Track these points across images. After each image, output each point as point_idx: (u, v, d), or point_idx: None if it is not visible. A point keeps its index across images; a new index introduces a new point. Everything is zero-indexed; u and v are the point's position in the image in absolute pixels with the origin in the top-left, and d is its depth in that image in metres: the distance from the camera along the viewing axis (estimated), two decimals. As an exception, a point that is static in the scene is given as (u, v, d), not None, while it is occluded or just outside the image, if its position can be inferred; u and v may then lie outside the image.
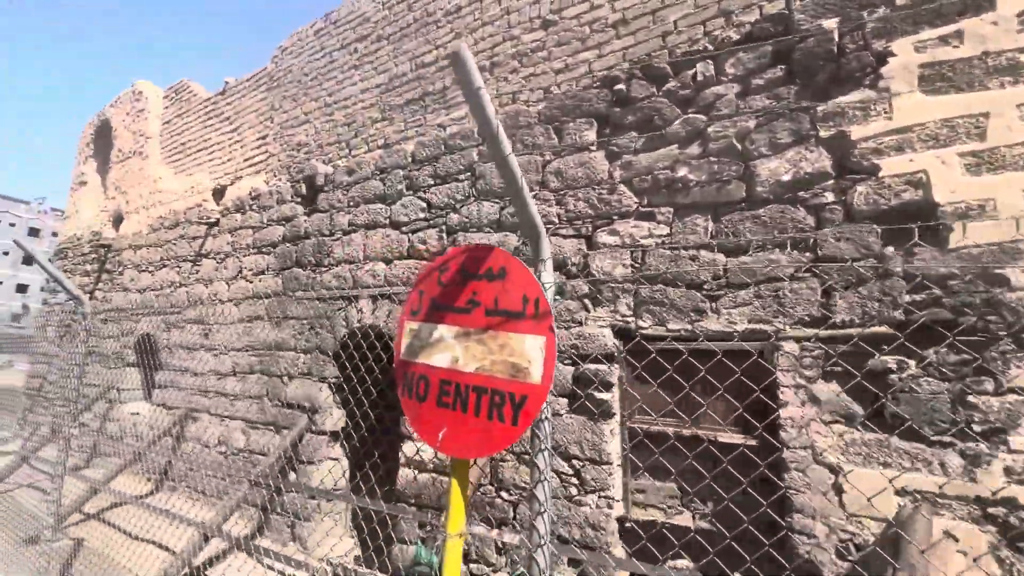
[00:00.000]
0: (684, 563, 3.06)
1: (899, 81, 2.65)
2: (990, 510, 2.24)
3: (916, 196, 2.53)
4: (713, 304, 3.01)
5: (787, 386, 2.72)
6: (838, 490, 2.53)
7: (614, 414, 3.27)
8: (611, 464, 3.21)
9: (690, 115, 3.24)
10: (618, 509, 3.20)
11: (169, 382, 6.38)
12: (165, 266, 7.08)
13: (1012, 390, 2.27)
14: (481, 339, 1.53)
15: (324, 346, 4.91)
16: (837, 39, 2.85)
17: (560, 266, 3.57)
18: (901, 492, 2.40)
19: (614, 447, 3.23)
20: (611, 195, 3.47)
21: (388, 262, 4.59)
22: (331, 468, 4.73)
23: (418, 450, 3.74)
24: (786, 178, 2.88)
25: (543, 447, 1.49)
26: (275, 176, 6.11)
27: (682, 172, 3.20)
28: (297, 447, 4.81)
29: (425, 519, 3.73)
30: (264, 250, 5.79)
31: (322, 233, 5.21)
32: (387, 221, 4.69)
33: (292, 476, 4.86)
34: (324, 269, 5.09)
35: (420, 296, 1.73)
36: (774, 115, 2.97)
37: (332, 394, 4.87)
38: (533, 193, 3.83)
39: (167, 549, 4.28)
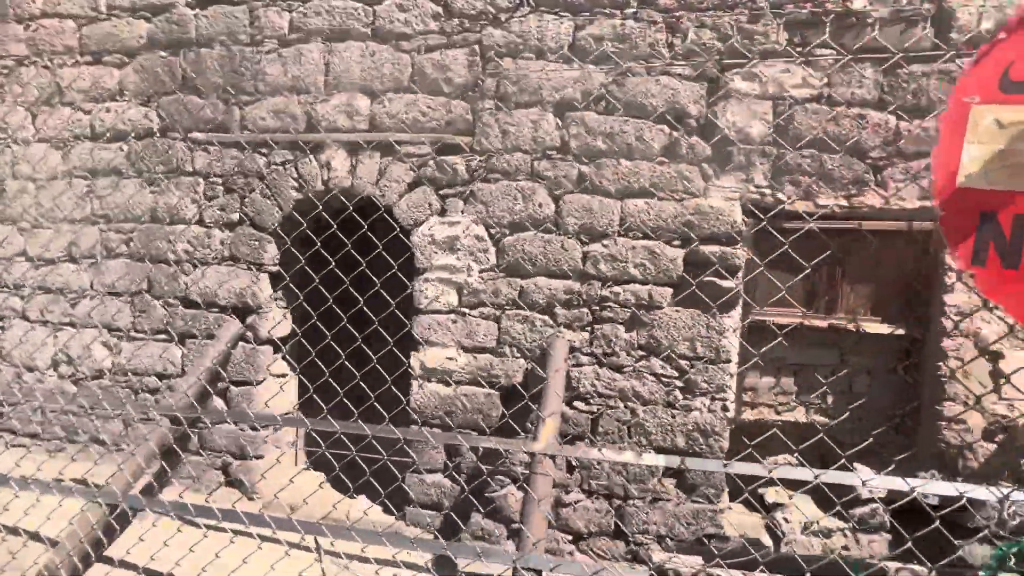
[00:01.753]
0: (788, 457, 2.85)
1: None
2: None
3: None
4: (878, 176, 2.54)
5: (956, 271, 2.47)
6: (996, 376, 2.45)
7: (736, 305, 2.73)
8: (729, 363, 2.73)
9: (874, -74, 2.50)
10: (732, 411, 2.79)
11: (-76, 272, 3.87)
12: None
13: None
14: None
15: (260, 219, 3.30)
16: None
17: (676, 118, 2.70)
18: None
19: (733, 343, 2.73)
20: (753, 24, 2.63)
21: (376, 96, 3.09)
22: (269, 388, 3.41)
23: (449, 358, 2.77)
24: (987, 25, 2.41)
25: None
26: (109, -67, 3.65)
27: (858, 3, 2.51)
28: (226, 363, 3.32)
29: (461, 445, 2.86)
30: (109, 61, 3.54)
31: (237, 40, 3.29)
32: (369, 30, 3.10)
33: (217, 403, 3.41)
34: (250, 100, 3.28)
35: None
36: (983, -58, 2.40)
37: (271, 288, 3.38)
38: (633, 10, 2.76)
39: (40, 539, 2.65)
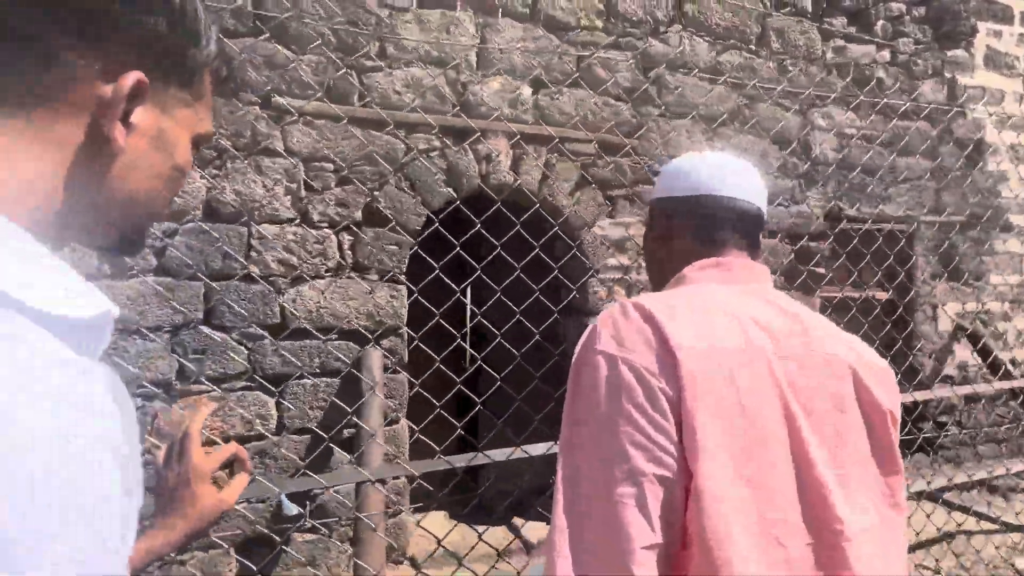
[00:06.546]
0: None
1: None
2: None
3: None
4: (887, 192, 3.75)
5: (919, 255, 3.87)
6: (935, 317, 3.95)
7: (817, 287, 3.61)
8: (815, 330, 3.60)
9: (884, 21, 3.64)
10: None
11: None
12: None
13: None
14: None
15: (402, 218, 2.64)
16: None
17: (785, 141, 3.38)
18: (962, 314, 4.02)
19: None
20: (828, 75, 3.50)
21: (540, 85, 2.85)
22: (397, 430, 2.84)
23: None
24: (934, 96, 3.82)
25: None
26: None
27: (880, 74, 3.63)
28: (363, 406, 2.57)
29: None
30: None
31: (354, -16, 2.53)
32: (527, 10, 2.82)
33: (341, 461, 2.61)
34: (372, 65, 2.57)
35: None
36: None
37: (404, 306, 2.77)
38: (751, 46, 3.30)
39: None
